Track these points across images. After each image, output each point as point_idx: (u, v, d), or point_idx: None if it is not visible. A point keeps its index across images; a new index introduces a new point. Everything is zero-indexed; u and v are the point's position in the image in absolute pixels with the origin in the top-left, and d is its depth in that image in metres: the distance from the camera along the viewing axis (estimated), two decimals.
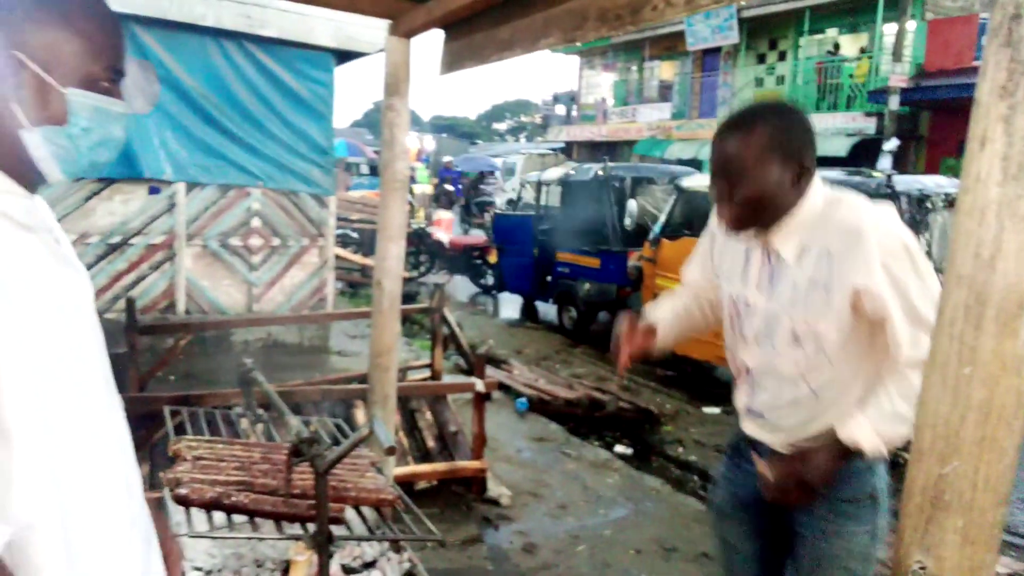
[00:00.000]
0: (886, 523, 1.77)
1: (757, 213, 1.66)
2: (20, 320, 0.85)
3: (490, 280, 11.81)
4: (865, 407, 1.58)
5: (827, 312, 1.61)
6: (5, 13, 0.94)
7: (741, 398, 1.88)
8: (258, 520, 1.93)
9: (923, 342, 1.53)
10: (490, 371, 5.82)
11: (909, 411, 1.52)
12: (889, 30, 16.66)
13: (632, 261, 8.13)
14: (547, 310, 10.33)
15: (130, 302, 4.18)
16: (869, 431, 1.56)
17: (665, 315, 2.04)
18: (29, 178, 0.98)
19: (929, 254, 5.23)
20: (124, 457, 1.06)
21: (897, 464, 1.90)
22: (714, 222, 1.92)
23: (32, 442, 0.87)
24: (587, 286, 8.75)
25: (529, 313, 10.76)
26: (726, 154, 1.65)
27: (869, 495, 1.74)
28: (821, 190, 1.69)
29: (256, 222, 6.46)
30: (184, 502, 1.86)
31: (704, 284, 2.03)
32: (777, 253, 1.69)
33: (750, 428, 1.86)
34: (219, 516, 1.95)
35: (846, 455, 1.60)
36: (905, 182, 5.76)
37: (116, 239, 5.88)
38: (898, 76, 14.28)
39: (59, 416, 0.90)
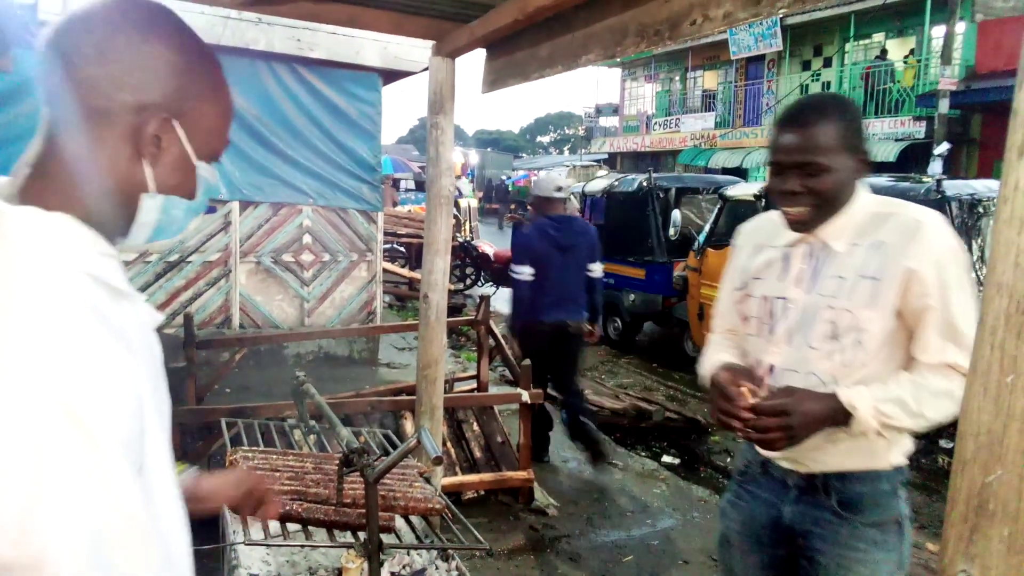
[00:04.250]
0: (910, 552, 1.69)
1: (826, 204, 1.62)
2: (123, 409, 0.79)
3: None
4: (872, 385, 1.55)
5: (873, 302, 1.57)
6: (164, 78, 0.89)
7: None
8: (311, 528, 1.99)
9: (949, 351, 1.52)
10: None
11: (915, 404, 1.51)
12: (937, 33, 16.34)
13: (677, 271, 8.10)
14: None
15: (188, 318, 4.31)
16: (868, 401, 1.51)
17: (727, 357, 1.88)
18: (113, 238, 0.93)
19: (981, 259, 5.09)
20: (182, 515, 0.99)
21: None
22: (742, 236, 1.91)
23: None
24: (632, 297, 8.73)
25: None
26: (798, 143, 1.60)
27: (895, 520, 1.66)
28: (869, 193, 1.68)
29: (307, 238, 6.62)
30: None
31: (737, 320, 1.89)
32: (825, 246, 1.65)
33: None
34: (274, 524, 2.01)
35: (836, 419, 1.54)
36: (955, 187, 5.64)
37: (174, 257, 6.07)
38: (948, 79, 13.95)
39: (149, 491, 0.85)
